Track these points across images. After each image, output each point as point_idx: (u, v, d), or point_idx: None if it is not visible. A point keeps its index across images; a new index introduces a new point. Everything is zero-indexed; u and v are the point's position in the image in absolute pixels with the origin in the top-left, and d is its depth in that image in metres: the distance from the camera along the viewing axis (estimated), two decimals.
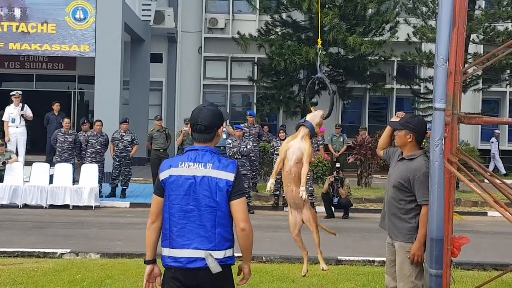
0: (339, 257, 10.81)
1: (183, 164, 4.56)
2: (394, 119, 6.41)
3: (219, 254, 4.49)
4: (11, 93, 18.98)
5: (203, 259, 4.46)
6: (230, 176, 4.50)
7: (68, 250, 10.95)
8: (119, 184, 17.88)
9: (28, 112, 18.75)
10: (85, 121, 18.71)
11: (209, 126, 4.59)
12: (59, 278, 8.84)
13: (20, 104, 18.65)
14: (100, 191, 17.20)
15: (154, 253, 4.71)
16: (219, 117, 4.68)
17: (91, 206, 16.45)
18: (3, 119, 18.98)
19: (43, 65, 27.08)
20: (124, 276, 8.97)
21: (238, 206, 4.51)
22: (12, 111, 18.63)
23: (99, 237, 12.75)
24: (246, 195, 16.43)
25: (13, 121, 18.57)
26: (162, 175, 4.61)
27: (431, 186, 5.48)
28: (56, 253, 10.82)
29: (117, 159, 17.67)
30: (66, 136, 17.38)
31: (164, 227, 4.61)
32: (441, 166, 5.39)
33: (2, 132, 19.37)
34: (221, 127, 4.70)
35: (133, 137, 17.86)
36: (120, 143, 17.69)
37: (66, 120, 17.88)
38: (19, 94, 18.76)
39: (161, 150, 18.16)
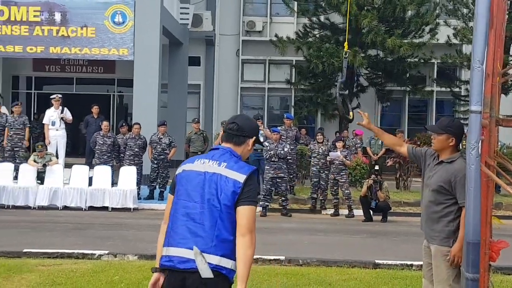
0: (376, 261, 10.72)
1: (200, 160, 4.36)
2: (363, 122, 6.55)
3: (213, 259, 4.08)
4: (51, 96, 19.24)
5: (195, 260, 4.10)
6: (241, 178, 4.16)
7: (107, 252, 11.03)
8: (157, 186, 17.97)
9: (67, 115, 18.95)
10: (124, 124, 18.89)
11: (242, 127, 4.42)
12: (97, 279, 8.92)
13: (60, 107, 18.86)
14: (138, 193, 17.33)
15: None
16: (255, 127, 4.56)
17: (130, 208, 16.60)
18: (43, 122, 19.22)
19: (83, 69, 27.36)
20: None
21: (244, 212, 4.11)
22: (52, 114, 18.84)
23: (137, 239, 12.84)
24: (283, 198, 16.43)
25: (53, 124, 18.78)
26: (177, 171, 4.43)
27: (467, 189, 5.41)
28: (95, 254, 10.91)
29: (155, 162, 17.78)
30: (105, 138, 17.57)
31: (168, 225, 4.32)
32: (477, 169, 5.31)
33: (43, 135, 19.62)
34: (253, 138, 4.48)
35: (171, 140, 17.95)
36: (158, 146, 17.80)
37: (105, 123, 18.05)
38: (59, 98, 19.00)
39: (199, 153, 18.25)
